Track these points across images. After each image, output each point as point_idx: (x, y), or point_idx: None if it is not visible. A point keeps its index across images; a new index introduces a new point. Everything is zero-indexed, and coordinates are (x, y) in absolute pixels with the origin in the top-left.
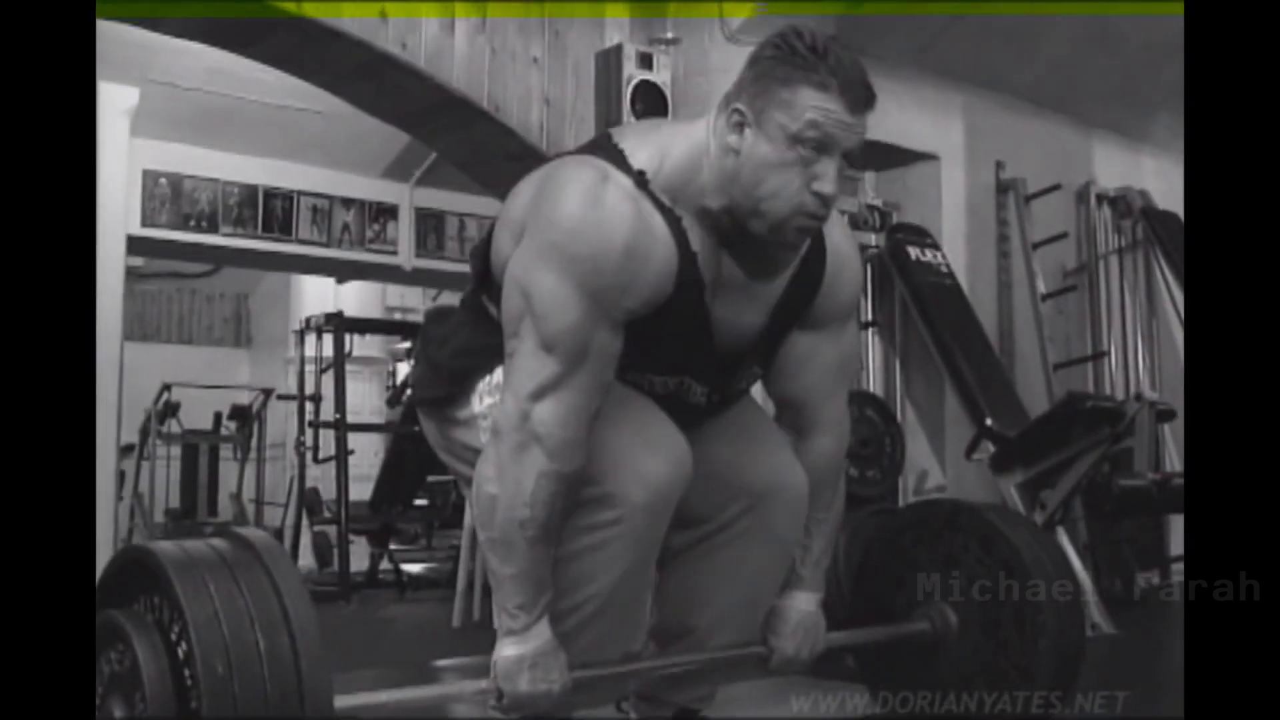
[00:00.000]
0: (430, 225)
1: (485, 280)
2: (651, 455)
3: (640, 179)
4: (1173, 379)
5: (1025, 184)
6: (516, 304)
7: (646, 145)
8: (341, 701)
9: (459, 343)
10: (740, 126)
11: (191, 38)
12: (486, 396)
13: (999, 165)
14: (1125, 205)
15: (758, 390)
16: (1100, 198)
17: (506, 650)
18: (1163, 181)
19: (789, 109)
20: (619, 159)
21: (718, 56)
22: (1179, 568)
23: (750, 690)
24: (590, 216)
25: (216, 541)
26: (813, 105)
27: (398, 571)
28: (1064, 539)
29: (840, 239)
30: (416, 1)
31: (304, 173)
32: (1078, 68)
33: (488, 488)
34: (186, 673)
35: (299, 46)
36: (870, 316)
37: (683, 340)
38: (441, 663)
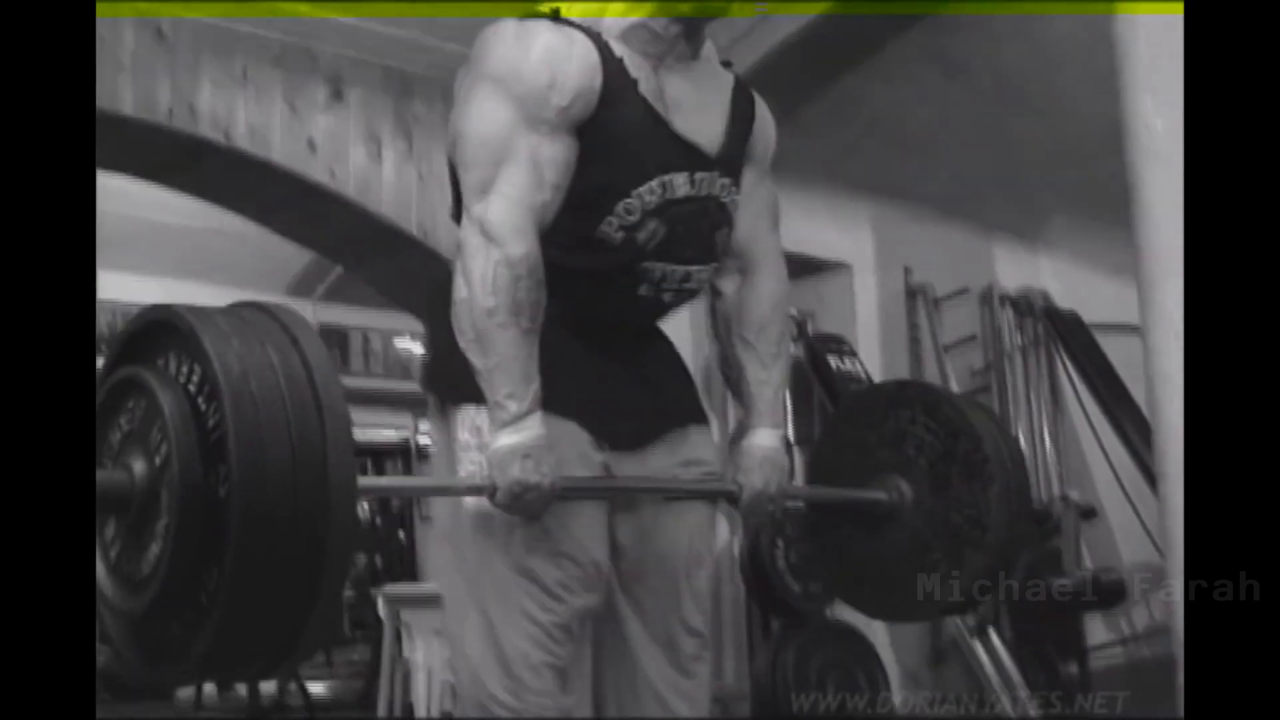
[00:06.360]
0: (334, 341)
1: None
2: None
3: (554, 14)
4: (1078, 474)
5: (934, 288)
6: (457, 144)
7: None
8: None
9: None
10: None
11: (119, 169)
12: (464, 432)
13: (907, 271)
14: (1027, 304)
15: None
16: (1003, 299)
17: (500, 440)
18: (1060, 282)
19: None
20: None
21: None
22: (1097, 655)
23: None
24: (509, 42)
25: (236, 306)
26: None
27: (305, 694)
28: (995, 639)
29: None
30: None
31: (206, 292)
32: (977, 176)
33: (459, 294)
34: (210, 424)
35: (226, 176)
36: (793, 436)
37: (643, 137)
38: None
